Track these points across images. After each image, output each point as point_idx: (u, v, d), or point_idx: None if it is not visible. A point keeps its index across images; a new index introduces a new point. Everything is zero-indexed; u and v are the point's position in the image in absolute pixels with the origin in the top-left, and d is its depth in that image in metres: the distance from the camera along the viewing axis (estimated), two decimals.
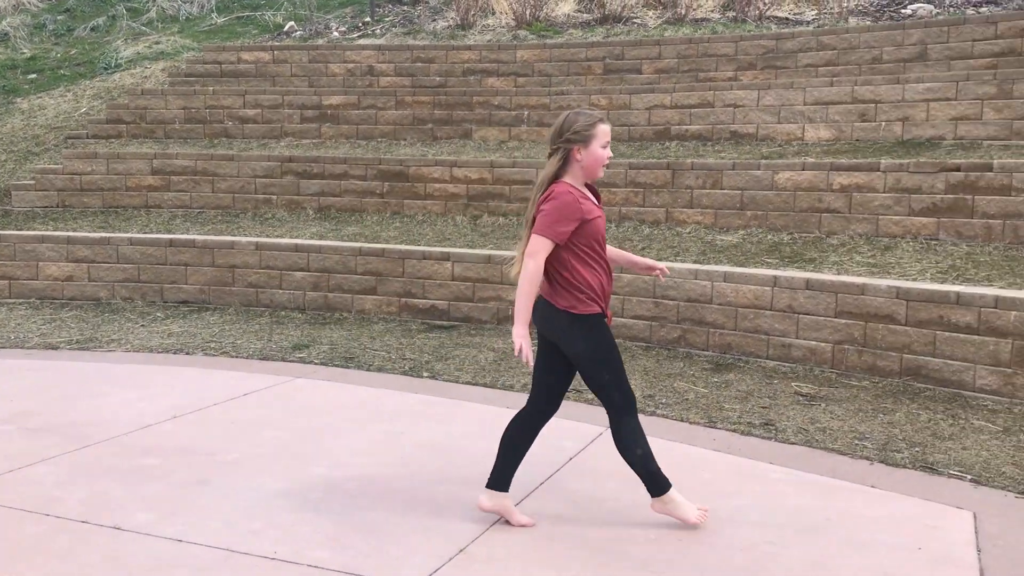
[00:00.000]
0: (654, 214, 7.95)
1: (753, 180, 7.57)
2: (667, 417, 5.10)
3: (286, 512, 3.72)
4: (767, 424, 4.97)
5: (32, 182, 9.58)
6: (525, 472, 4.20)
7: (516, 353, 3.37)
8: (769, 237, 7.34)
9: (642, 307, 6.72)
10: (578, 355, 3.52)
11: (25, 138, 10.77)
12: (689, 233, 7.65)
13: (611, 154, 3.54)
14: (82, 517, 3.64)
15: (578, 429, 4.87)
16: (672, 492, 3.61)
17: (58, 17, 14.85)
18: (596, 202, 3.59)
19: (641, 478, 3.63)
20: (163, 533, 3.50)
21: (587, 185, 3.60)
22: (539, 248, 3.40)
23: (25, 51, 13.47)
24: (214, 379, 5.82)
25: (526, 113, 9.66)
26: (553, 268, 3.49)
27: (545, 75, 10.35)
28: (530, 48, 10.55)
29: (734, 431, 4.87)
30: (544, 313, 3.55)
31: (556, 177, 3.50)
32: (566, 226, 3.40)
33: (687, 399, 5.41)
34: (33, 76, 12.50)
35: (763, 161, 7.66)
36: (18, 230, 8.71)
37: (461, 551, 3.39)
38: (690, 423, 5.00)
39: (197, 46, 12.56)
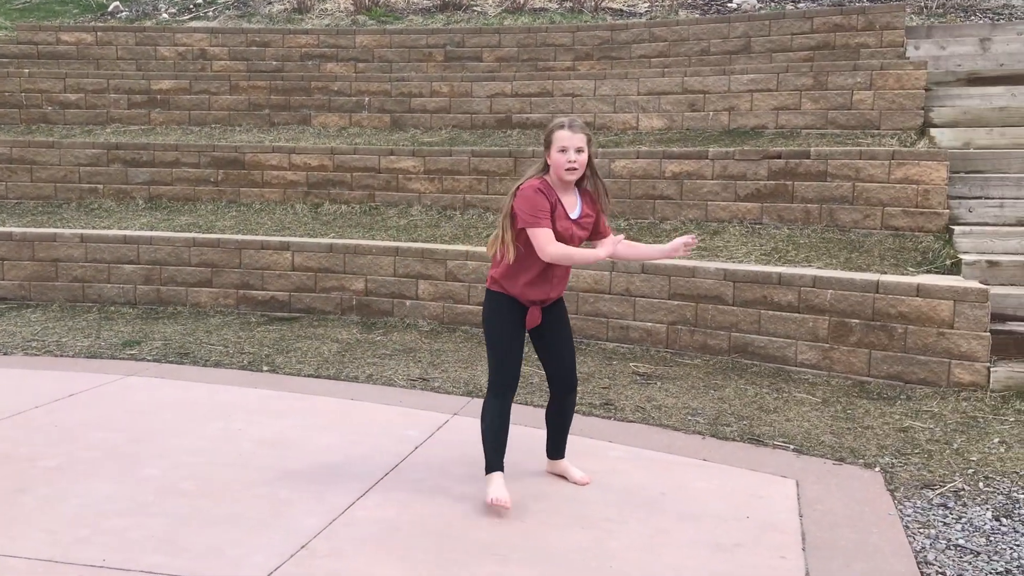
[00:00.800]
0: (497, 201, 8.03)
1: None
2: (515, 402, 5.16)
3: (116, 517, 3.55)
4: (607, 404, 5.13)
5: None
6: (369, 463, 4.18)
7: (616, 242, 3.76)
8: (610, 223, 7.54)
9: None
10: (484, 321, 3.87)
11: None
12: None
13: (572, 158, 3.64)
14: None
15: (424, 417, 4.88)
16: (493, 475, 3.73)
17: None
18: (571, 211, 3.74)
19: None
20: None
21: (586, 192, 3.82)
22: (540, 236, 3.61)
23: None
24: (36, 380, 5.47)
25: (367, 99, 9.53)
26: (502, 247, 3.75)
27: (386, 61, 10.24)
28: (370, 33, 10.41)
29: (576, 412, 4.99)
30: None
31: (538, 176, 3.73)
32: (542, 212, 3.62)
33: (531, 383, 5.50)
34: None
35: (600, 150, 7.86)
36: None
37: (303, 547, 3.33)
38: (534, 406, 5.09)
39: (10, 25, 11.71)
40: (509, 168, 8.01)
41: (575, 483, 4.01)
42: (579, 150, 3.66)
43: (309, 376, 5.69)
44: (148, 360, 6.00)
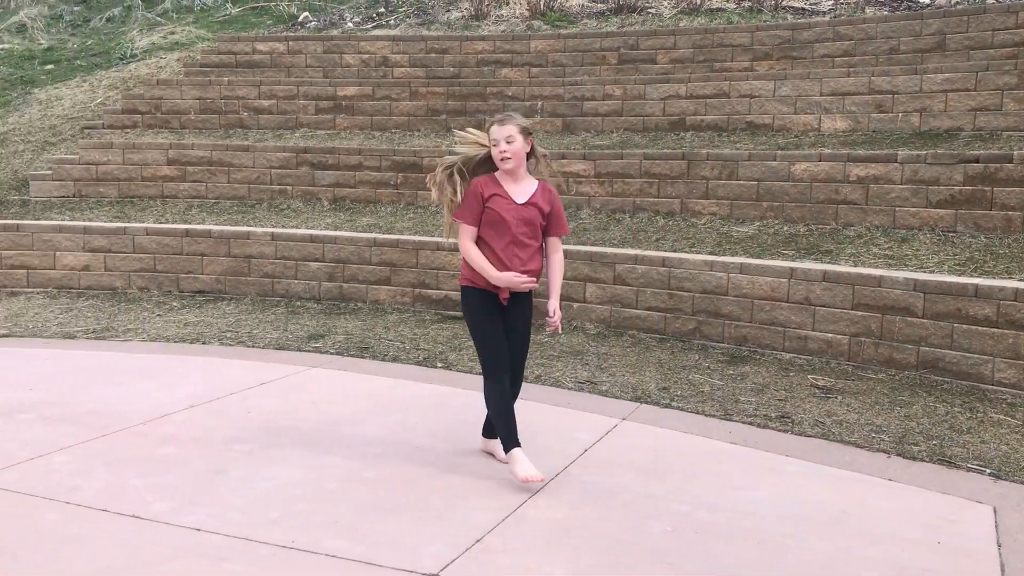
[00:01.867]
0: (669, 205, 7.93)
1: (769, 171, 7.53)
2: (683, 409, 5.09)
3: (303, 502, 3.74)
4: (783, 417, 4.96)
5: (49, 172, 9.63)
6: (539, 463, 4.20)
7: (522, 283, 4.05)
8: (785, 228, 7.30)
9: (656, 299, 6.71)
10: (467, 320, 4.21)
11: (42, 128, 10.82)
12: (704, 224, 7.63)
13: (503, 148, 3.99)
14: (101, 505, 3.66)
15: (592, 420, 4.87)
16: (515, 451, 3.97)
17: (75, 8, 14.90)
18: (518, 197, 4.04)
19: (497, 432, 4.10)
20: (181, 522, 3.52)
21: (546, 187, 4.15)
22: (460, 229, 4.09)
23: (42, 42, 13.53)
24: (231, 369, 5.84)
25: (540, 103, 9.63)
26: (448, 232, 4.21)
27: (559, 65, 10.32)
28: (544, 38, 10.52)
29: (750, 424, 4.86)
30: None
31: (490, 172, 4.11)
32: (468, 210, 4.04)
33: (703, 391, 5.39)
34: (50, 67, 12.55)
35: (779, 152, 7.62)
36: (36, 220, 8.76)
37: (477, 541, 3.40)
38: (705, 415, 4.99)
39: (212, 36, 12.58)
40: (682, 171, 7.89)
41: (501, 462, 4.20)
42: (508, 140, 3.98)
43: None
44: (331, 353, 6.29)
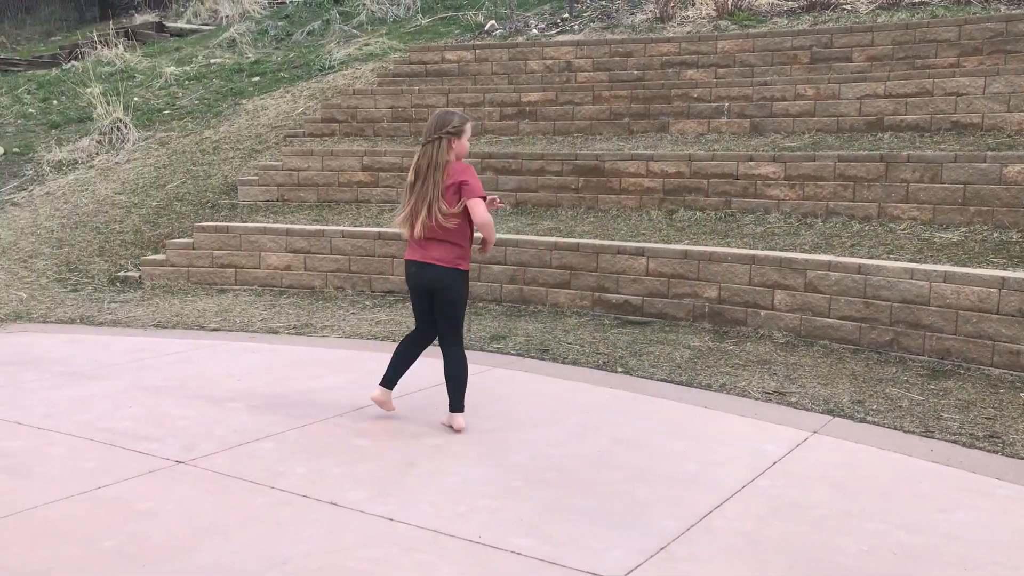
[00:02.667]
0: (864, 209, 7.55)
1: (978, 173, 7.03)
2: (879, 424, 4.83)
3: (488, 498, 3.82)
4: (992, 436, 4.61)
5: (255, 177, 10.31)
6: (725, 474, 4.11)
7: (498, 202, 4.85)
8: (996, 235, 6.80)
9: (851, 307, 6.41)
10: (455, 299, 4.63)
11: (249, 136, 11.60)
12: (904, 230, 7.22)
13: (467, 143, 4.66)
14: (303, 492, 3.88)
15: (780, 432, 4.71)
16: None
17: (279, 23, 15.91)
18: None
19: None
20: (375, 511, 3.68)
21: None
22: (483, 205, 4.60)
23: (250, 55, 14.52)
24: (417, 365, 6.03)
25: (726, 105, 9.42)
26: (455, 234, 4.59)
27: (747, 66, 10.06)
28: (732, 38, 10.28)
29: (955, 442, 4.55)
30: (436, 274, 4.59)
31: (447, 161, 4.59)
32: (480, 184, 4.66)
33: (900, 406, 5.10)
34: (256, 79, 13.45)
35: (990, 153, 7.10)
36: (243, 222, 9.40)
37: (662, 549, 3.36)
38: (904, 432, 4.71)
39: (403, 47, 13.09)
40: (879, 173, 7.49)
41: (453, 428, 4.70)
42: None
43: (661, 380, 5.73)
44: (512, 354, 6.39)
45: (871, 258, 6.65)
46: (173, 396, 5.32)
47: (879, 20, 10.08)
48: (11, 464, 4.22)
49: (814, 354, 6.27)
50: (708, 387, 5.57)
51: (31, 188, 11.06)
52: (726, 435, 4.67)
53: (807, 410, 5.10)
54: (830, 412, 5.04)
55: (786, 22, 10.85)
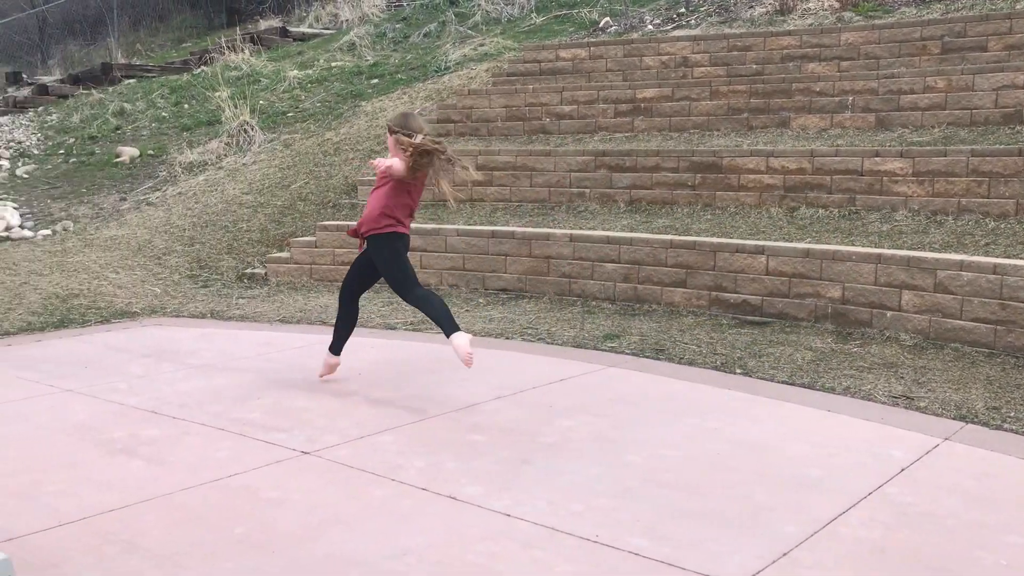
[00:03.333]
0: (1000, 206, 7.18)
1: None
2: (1017, 432, 4.59)
3: (605, 498, 3.81)
4: None
5: (374, 178, 10.55)
6: (850, 479, 3.98)
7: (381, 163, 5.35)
8: None
9: (985, 309, 6.10)
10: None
11: (369, 138, 11.89)
12: None
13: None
14: (421, 485, 3.96)
15: (909, 438, 4.53)
16: (460, 334, 5.09)
17: (396, 25, 16.24)
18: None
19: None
20: (492, 506, 3.72)
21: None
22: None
23: (368, 58, 14.88)
24: (532, 364, 6.08)
25: (850, 99, 9.11)
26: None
27: (872, 58, 9.70)
28: (856, 30, 9.93)
29: None
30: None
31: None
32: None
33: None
34: (375, 81, 13.78)
35: None
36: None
37: (784, 555, 3.28)
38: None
39: (518, 46, 13.17)
40: (1017, 168, 7.11)
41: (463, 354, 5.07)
42: None
43: (782, 383, 5.59)
44: (626, 353, 6.35)
45: (1008, 257, 6.32)
46: (298, 388, 5.51)
47: (1018, 7, 9.56)
48: (149, 452, 4.45)
49: (944, 357, 6.00)
50: (831, 390, 5.40)
51: (164, 188, 11.62)
52: (850, 440, 4.52)
53: (937, 416, 4.89)
54: (962, 418, 4.82)
55: (915, 11, 10.41)
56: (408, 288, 5.30)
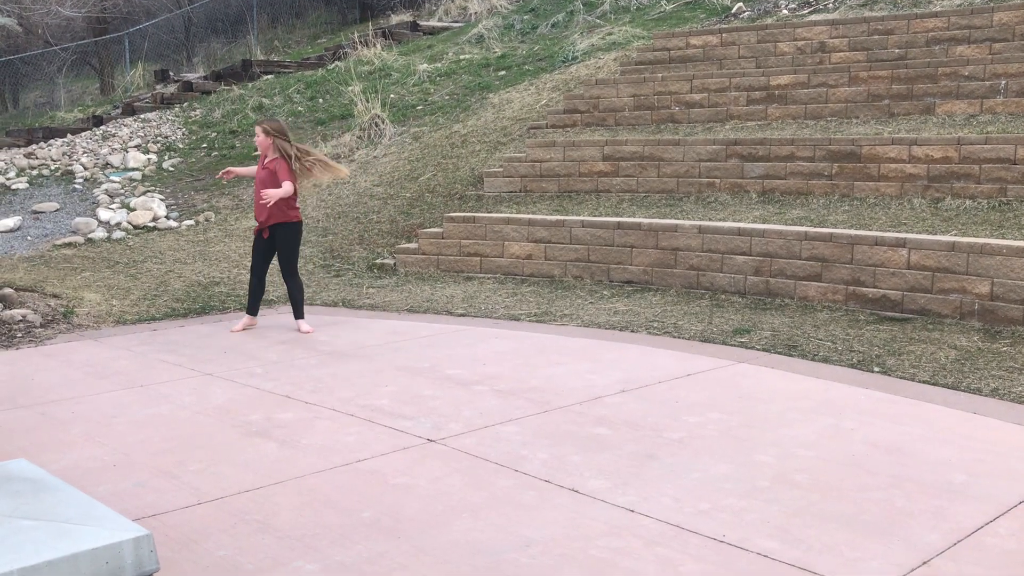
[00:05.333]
0: None
1: None
2: None
3: (733, 497, 3.70)
4: None
5: (500, 169, 10.63)
6: (997, 487, 3.74)
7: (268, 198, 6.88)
8: None
9: None
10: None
11: (495, 130, 11.98)
12: None
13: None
14: (544, 477, 3.95)
15: None
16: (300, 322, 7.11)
17: (524, 17, 16.28)
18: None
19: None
20: (615, 501, 3.67)
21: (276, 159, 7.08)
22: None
23: (496, 50, 14.98)
24: (657, 357, 5.98)
25: (1003, 83, 8.56)
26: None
27: None
28: (1010, 9, 9.32)
29: None
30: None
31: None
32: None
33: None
34: (502, 73, 13.85)
35: None
36: (488, 212, 9.72)
37: (924, 563, 3.11)
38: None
39: (647, 34, 12.99)
40: None
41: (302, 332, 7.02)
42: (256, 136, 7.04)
43: (924, 383, 5.31)
44: (756, 349, 6.17)
45: None
46: (424, 377, 5.59)
47: None
48: (283, 434, 4.60)
49: None
50: (978, 391, 5.10)
51: (300, 181, 12.02)
52: (999, 444, 4.25)
53: None
54: None
55: None
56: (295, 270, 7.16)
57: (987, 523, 3.42)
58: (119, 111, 16.39)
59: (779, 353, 6.05)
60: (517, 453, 4.24)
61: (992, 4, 9.73)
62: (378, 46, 16.50)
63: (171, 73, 19.55)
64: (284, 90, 15.63)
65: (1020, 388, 5.09)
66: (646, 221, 8.51)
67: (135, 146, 13.94)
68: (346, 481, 3.96)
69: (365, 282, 9.09)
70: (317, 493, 3.84)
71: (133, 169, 12.98)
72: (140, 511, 3.67)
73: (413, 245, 9.66)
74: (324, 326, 7.22)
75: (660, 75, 10.96)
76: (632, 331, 6.81)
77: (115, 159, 13.26)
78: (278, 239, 7.05)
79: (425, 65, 14.96)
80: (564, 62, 13.26)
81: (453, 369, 5.76)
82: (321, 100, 14.88)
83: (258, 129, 7.04)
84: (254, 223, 10.72)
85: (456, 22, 18.72)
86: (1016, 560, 3.14)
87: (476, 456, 4.21)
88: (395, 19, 20.17)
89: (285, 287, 7.32)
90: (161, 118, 15.26)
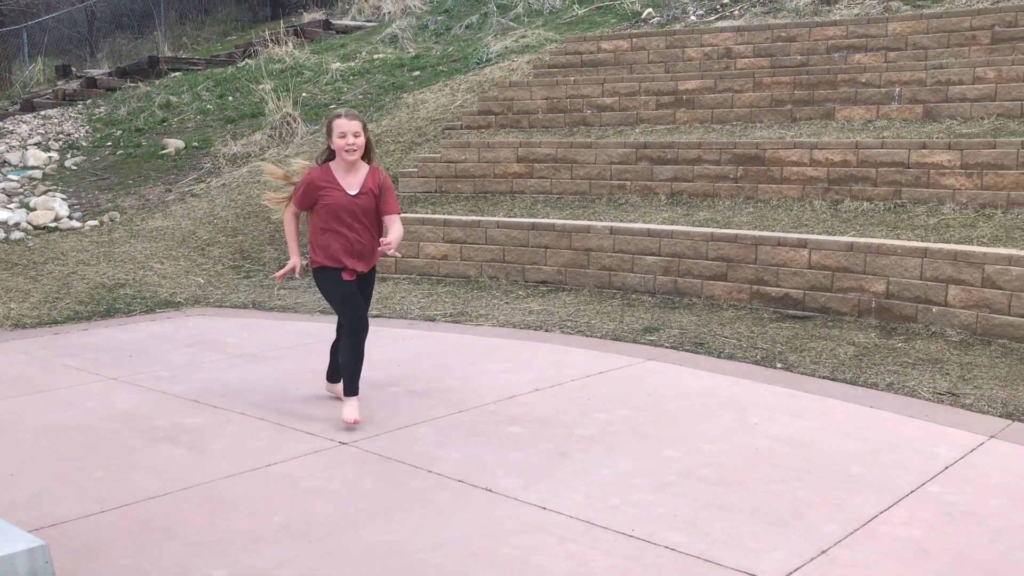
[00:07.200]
0: None
1: None
2: None
3: (642, 492, 3.79)
4: None
5: (415, 169, 10.60)
6: (891, 477, 3.92)
7: (283, 273, 4.92)
8: None
9: None
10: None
11: (409, 130, 11.94)
12: None
13: (351, 141, 4.59)
14: (458, 477, 3.97)
15: (953, 436, 4.44)
16: (353, 399, 4.68)
17: (438, 17, 16.26)
18: (350, 188, 4.68)
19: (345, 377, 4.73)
20: (528, 499, 3.72)
21: (374, 171, 4.75)
22: (288, 209, 4.90)
23: (410, 50, 14.92)
24: (570, 356, 6.06)
25: (897, 90, 8.94)
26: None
27: (920, 48, 9.51)
28: (904, 20, 9.74)
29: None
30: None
31: (326, 161, 4.77)
32: (302, 200, 4.78)
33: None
34: (417, 73, 13.81)
35: None
36: (403, 213, 9.68)
37: (823, 552, 3.24)
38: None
39: (559, 38, 13.12)
40: None
41: (337, 397, 5.07)
42: (356, 134, 4.60)
43: (824, 378, 5.52)
44: (665, 347, 6.31)
45: None
46: None
47: None
48: (191, 440, 4.51)
49: (991, 354, 5.88)
50: (874, 386, 5.32)
51: (209, 180, 11.77)
52: (893, 436, 4.45)
53: (983, 413, 4.79)
54: (1009, 416, 4.72)
55: (964, 1, 10.19)
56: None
57: (881, 512, 3.58)
58: (17, 107, 15.75)
59: (687, 350, 6.20)
60: (431, 454, 4.25)
61: (887, 15, 10.15)
62: (290, 44, 16.27)
63: (74, 69, 18.89)
64: (193, 88, 15.27)
65: (913, 382, 5.34)
66: (560, 222, 8.61)
67: (35, 144, 13.43)
68: (256, 486, 3.91)
69: (276, 283, 8.96)
70: (226, 498, 3.78)
71: (33, 168, 12.51)
72: (39, 521, 3.56)
73: None
74: (234, 328, 7.09)
75: (572, 78, 11.09)
76: (546, 331, 6.88)
77: (13, 157, 12.76)
78: (368, 283, 4.96)
79: (338, 64, 14.80)
80: (478, 64, 13.30)
81: (367, 371, 5.73)
82: (231, 98, 14.59)
83: (357, 123, 4.63)
84: (163, 223, 10.50)
85: (370, 21, 18.58)
86: (907, 547, 3.30)
87: (389, 458, 4.21)
88: (307, 17, 19.90)
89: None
90: (63, 115, 14.74)
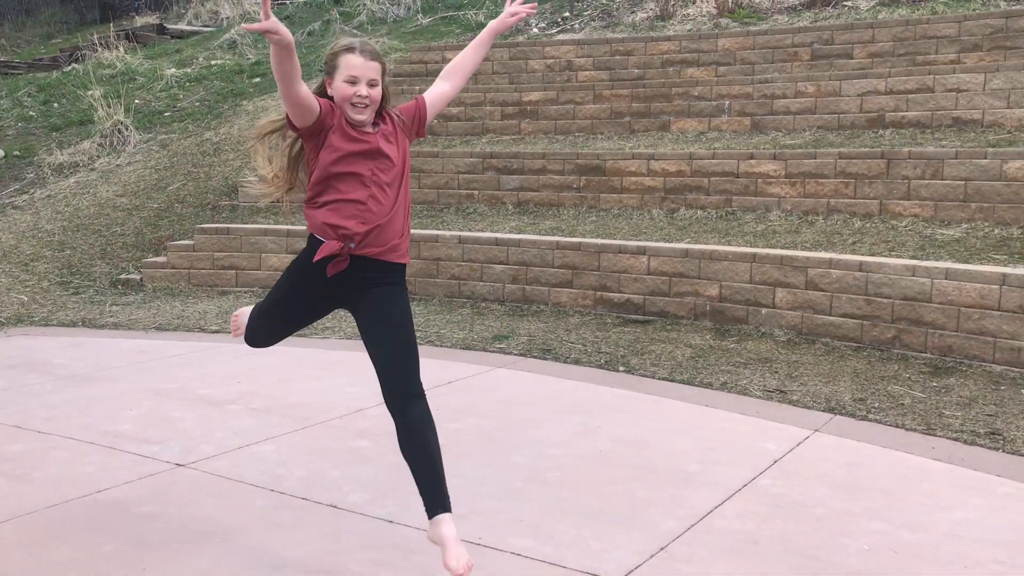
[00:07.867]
0: (866, 206, 7.54)
1: (979, 170, 7.01)
2: (881, 422, 4.82)
3: (489, 499, 3.81)
4: (994, 433, 4.60)
5: (255, 179, 10.30)
6: (726, 472, 4.10)
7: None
8: (996, 231, 6.78)
9: (852, 305, 6.39)
10: None
11: (250, 138, 11.59)
12: (906, 227, 7.20)
13: (363, 92, 2.98)
14: (302, 494, 3.88)
15: (782, 431, 4.70)
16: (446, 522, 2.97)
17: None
18: (373, 138, 3.05)
19: None
20: (375, 513, 3.68)
21: (392, 116, 3.16)
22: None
23: (250, 57, 14.53)
24: (421, 367, 6.02)
25: (727, 103, 9.40)
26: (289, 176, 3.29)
27: (748, 63, 10.04)
28: (732, 36, 10.26)
29: (956, 440, 4.54)
30: None
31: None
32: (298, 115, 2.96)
33: (903, 404, 5.09)
34: (257, 80, 13.45)
35: (990, 149, 7.08)
36: (244, 223, 9.39)
37: (662, 549, 3.35)
38: (906, 429, 4.70)
39: (404, 47, 13.09)
40: (881, 170, 7.48)
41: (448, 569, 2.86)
42: (372, 83, 2.98)
43: (663, 379, 5.72)
44: (514, 354, 6.38)
45: (872, 255, 6.63)
46: (174, 398, 5.32)
47: (880, 17, 10.06)
48: (11, 468, 4.22)
49: (815, 352, 6.26)
50: (709, 385, 5.56)
51: (32, 191, 11.06)
52: (727, 434, 4.66)
53: (808, 408, 5.09)
54: (831, 410, 5.03)
55: (787, 19, 10.83)
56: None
57: (716, 507, 3.74)
58: None
59: (535, 357, 6.29)
60: (274, 472, 4.13)
61: (717, 31, 10.66)
62: (121, 49, 15.52)
63: None
64: (13, 92, 14.32)
65: (745, 381, 5.61)
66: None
67: None
68: (85, 514, 3.69)
69: (108, 299, 8.50)
70: (52, 529, 3.55)
71: None
72: None
73: (162, 259, 9.15)
74: (62, 348, 6.68)
75: (418, 87, 11.07)
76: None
77: None
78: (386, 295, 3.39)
79: (174, 70, 14.24)
80: (321, 71, 13.08)
81: (206, 388, 5.52)
82: (56, 104, 13.77)
83: (376, 65, 3.09)
84: None
85: (207, 26, 17.97)
86: (740, 539, 3.46)
87: (229, 478, 4.06)
88: (140, 21, 19.05)
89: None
90: None
